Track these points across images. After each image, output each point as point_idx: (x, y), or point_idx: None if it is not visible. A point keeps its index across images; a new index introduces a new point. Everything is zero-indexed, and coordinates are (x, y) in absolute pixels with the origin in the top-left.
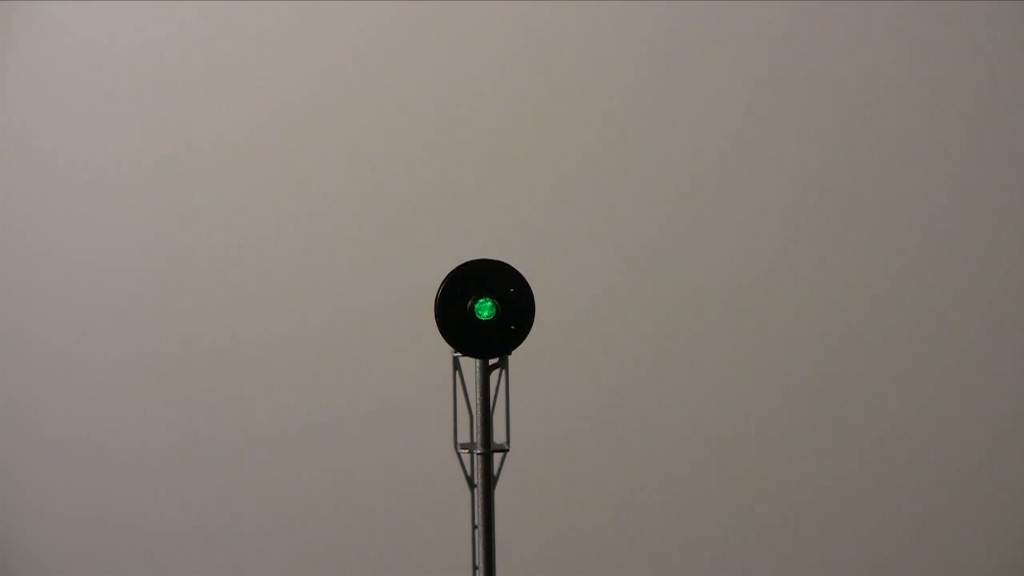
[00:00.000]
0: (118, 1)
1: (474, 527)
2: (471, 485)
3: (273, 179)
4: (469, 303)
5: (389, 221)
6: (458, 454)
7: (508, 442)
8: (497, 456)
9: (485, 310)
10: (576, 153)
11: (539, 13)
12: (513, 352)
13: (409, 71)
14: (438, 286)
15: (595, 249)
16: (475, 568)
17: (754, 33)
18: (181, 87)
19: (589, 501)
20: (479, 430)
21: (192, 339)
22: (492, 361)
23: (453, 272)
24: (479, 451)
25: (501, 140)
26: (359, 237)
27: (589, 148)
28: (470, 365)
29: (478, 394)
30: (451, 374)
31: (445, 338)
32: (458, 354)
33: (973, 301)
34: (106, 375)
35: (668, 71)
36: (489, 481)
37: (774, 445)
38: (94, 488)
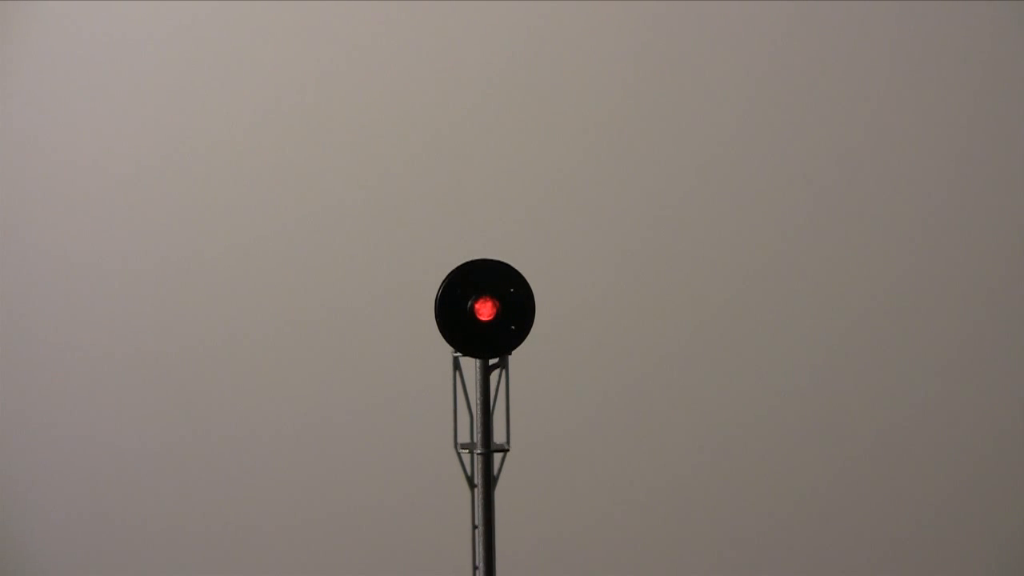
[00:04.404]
0: (118, 1)
1: (474, 527)
2: (471, 485)
3: (273, 179)
4: (469, 303)
5: (389, 221)
6: (458, 454)
7: (508, 442)
8: (497, 456)
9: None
10: (576, 153)
11: (539, 13)
12: (513, 352)
13: (409, 71)
14: (438, 286)
15: (595, 249)
16: (475, 568)
17: (754, 33)
18: (181, 87)
19: (589, 501)
20: (479, 430)
21: (192, 339)
22: (492, 361)
23: (453, 272)
24: (479, 451)
25: (501, 140)
26: (359, 237)
27: (589, 148)
28: (470, 365)
29: (478, 394)
30: (451, 374)
31: (445, 338)
32: (458, 354)
33: (973, 301)
34: (106, 375)
35: (667, 71)
36: (489, 481)
37: (774, 445)
38: (94, 488)
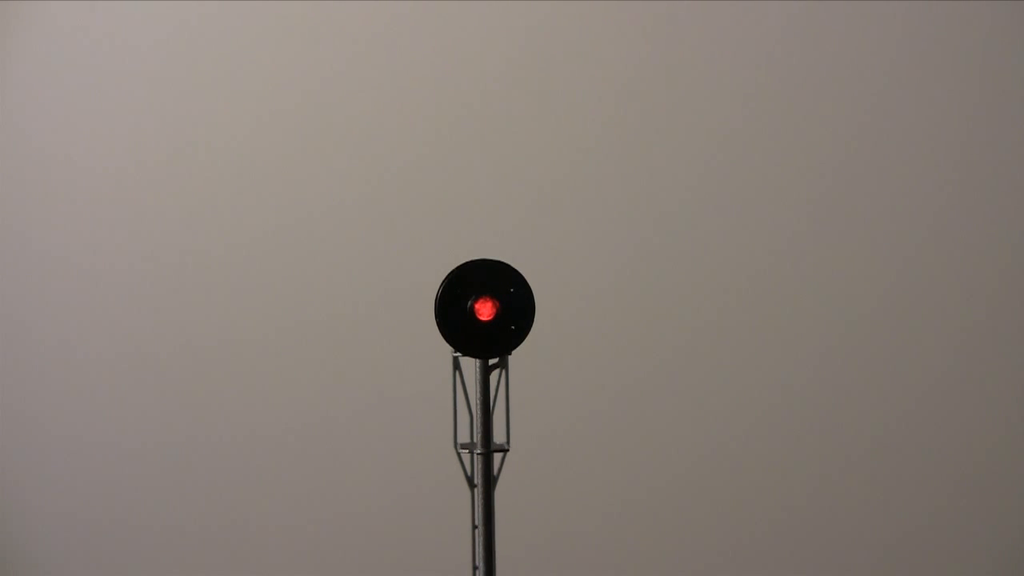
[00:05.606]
0: (118, 1)
1: (474, 527)
2: (471, 485)
3: (273, 179)
4: (469, 303)
5: (389, 221)
6: (458, 454)
7: (508, 442)
8: (497, 456)
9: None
10: (576, 153)
11: (539, 13)
12: (513, 352)
13: (409, 71)
14: (438, 286)
15: (595, 249)
16: (475, 568)
17: (754, 34)
18: (181, 87)
19: (589, 501)
20: (479, 430)
21: (192, 339)
22: (492, 361)
23: (453, 272)
24: (479, 451)
25: (501, 140)
26: (359, 237)
27: (589, 148)
28: (470, 365)
29: (478, 394)
30: (451, 374)
31: (445, 338)
32: (458, 354)
33: (973, 301)
34: (106, 375)
35: (668, 71)
36: (489, 481)
37: (773, 445)
38: (94, 488)
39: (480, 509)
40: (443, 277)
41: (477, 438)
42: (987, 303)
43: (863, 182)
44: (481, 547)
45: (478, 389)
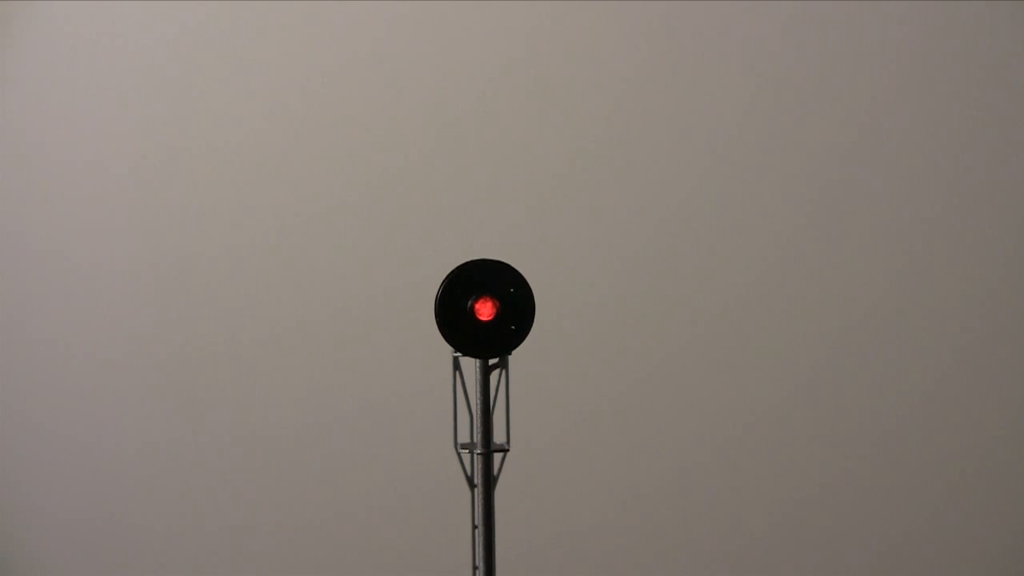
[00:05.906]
0: (118, 1)
1: (474, 527)
2: (471, 485)
3: (273, 179)
4: (469, 303)
5: (389, 221)
6: (458, 454)
7: (508, 442)
8: (497, 456)
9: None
10: (576, 153)
11: (539, 13)
12: (513, 352)
13: (409, 71)
14: (438, 286)
15: (595, 249)
16: (475, 568)
17: (754, 33)
18: (181, 87)
19: (589, 501)
20: (479, 430)
21: (192, 339)
22: (492, 361)
23: (453, 272)
24: (479, 451)
25: (501, 140)
26: (359, 237)
27: (589, 148)
28: (470, 365)
29: (478, 394)
30: (451, 374)
31: (445, 338)
32: (458, 354)
33: (973, 302)
34: (106, 375)
35: (668, 71)
36: (489, 481)
37: (774, 445)
38: (94, 488)
39: (480, 509)
40: (443, 277)
41: (477, 438)
42: (988, 304)
43: (865, 184)
44: (481, 547)
45: (478, 389)
